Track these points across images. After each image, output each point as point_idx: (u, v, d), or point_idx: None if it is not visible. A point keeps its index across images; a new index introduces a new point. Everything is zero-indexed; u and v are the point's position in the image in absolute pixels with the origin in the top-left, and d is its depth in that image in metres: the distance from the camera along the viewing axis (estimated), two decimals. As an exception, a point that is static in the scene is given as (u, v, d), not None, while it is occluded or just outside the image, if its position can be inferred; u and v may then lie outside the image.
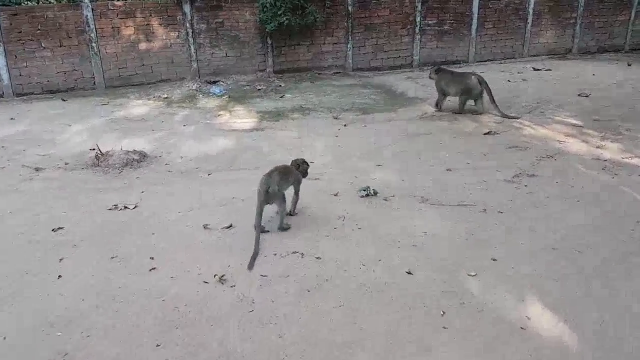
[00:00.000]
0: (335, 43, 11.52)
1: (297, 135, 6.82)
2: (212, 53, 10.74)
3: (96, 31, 9.73)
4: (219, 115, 8.01)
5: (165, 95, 9.36)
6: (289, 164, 4.18)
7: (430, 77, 7.93)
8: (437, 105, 7.87)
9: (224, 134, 6.89)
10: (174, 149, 6.20)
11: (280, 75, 11.06)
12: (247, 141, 6.57)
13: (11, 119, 7.81)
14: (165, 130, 7.14)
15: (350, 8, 11.28)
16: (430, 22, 11.96)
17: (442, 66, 8.56)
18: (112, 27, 9.86)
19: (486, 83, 7.25)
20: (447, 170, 5.31)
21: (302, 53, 11.32)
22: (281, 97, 9.26)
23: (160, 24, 10.20)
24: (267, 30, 10.41)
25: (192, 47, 10.50)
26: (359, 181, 4.98)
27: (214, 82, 10.48)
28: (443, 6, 11.93)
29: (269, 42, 10.93)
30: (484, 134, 6.54)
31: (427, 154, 5.88)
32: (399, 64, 12.04)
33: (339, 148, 6.24)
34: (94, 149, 5.96)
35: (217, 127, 7.34)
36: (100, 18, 9.72)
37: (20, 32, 9.28)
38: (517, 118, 7.18)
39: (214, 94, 9.61)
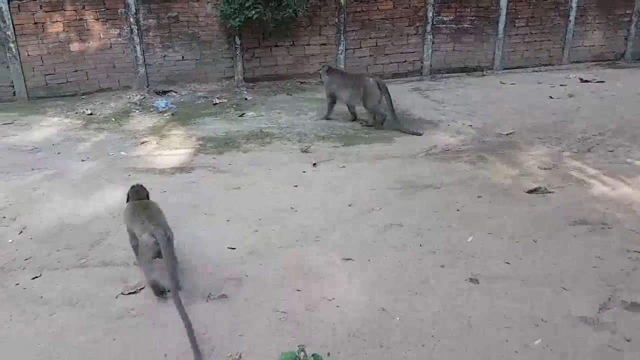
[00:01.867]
0: (323, 44, 9.15)
1: (236, 184, 4.49)
2: (165, 56, 8.45)
3: (14, 28, 7.52)
4: (143, 142, 5.71)
5: (90, 112, 7.09)
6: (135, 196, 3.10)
7: (320, 80, 6.83)
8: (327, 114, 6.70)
9: (128, 179, 4.57)
10: (28, 211, 3.94)
11: (252, 85, 8.74)
12: (153, 195, 4.23)
13: None
14: (51, 168, 4.86)
15: (342, 0, 8.90)
16: (445, 18, 9.51)
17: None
18: (35, 23, 7.64)
19: (386, 88, 6.03)
20: (471, 280, 2.92)
21: (280, 56, 8.98)
22: (241, 115, 6.93)
23: (97, 19, 7.95)
24: (233, 27, 8.08)
25: (138, 48, 8.23)
26: (297, 310, 2.62)
27: (165, 93, 8.19)
28: (462, -2, 9.50)
29: (238, 42, 8.61)
30: (529, 192, 4.12)
31: (433, 235, 3.50)
32: (404, 71, 9.63)
33: (291, 214, 3.90)
34: None
35: (130, 163, 5.05)
36: (19, 11, 7.50)
37: None
38: (420, 134, 5.97)
39: (156, 108, 7.31)
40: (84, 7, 7.82)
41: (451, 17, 9.54)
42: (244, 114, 6.99)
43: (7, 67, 7.70)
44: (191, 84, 8.61)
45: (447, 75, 9.67)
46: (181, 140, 5.82)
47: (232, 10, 7.91)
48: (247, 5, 7.76)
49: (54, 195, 4.18)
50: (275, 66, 8.93)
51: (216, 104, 7.55)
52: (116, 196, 4.17)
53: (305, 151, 5.46)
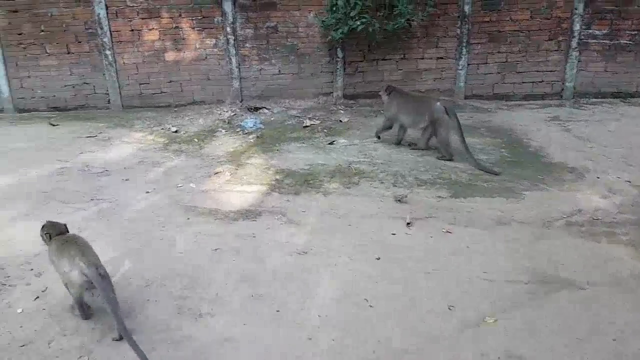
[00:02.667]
0: (440, 57, 8.01)
1: (303, 246, 3.63)
2: (261, 69, 7.96)
3: (110, 34, 7.55)
4: (216, 173, 5.14)
5: (175, 129, 6.77)
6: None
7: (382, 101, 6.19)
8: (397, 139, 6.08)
9: (184, 225, 3.97)
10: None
11: (352, 103, 7.90)
12: (202, 254, 3.54)
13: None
14: (109, 200, 4.44)
15: (466, 8, 7.67)
16: (597, 32, 7.79)
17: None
18: (132, 30, 7.60)
19: (455, 114, 5.42)
20: None
21: (388, 71, 8.02)
22: (330, 143, 6.09)
23: (193, 28, 7.69)
24: (334, 38, 7.31)
25: (233, 60, 7.83)
26: None
27: (257, 109, 7.68)
28: (621, 8, 7.69)
29: (340, 55, 7.82)
30: None
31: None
32: (539, 93, 8.09)
33: (364, 311, 2.90)
34: None
35: (195, 200, 4.46)
36: (117, 18, 7.51)
37: (21, 33, 7.45)
38: (497, 174, 5.01)
39: (243, 128, 6.78)
40: (180, 15, 7.60)
41: (605, 31, 7.78)
42: (334, 141, 6.14)
43: (103, 74, 7.75)
44: (285, 100, 8.02)
45: (595, 101, 7.91)
46: (257, 173, 5.13)
47: (335, 20, 7.13)
48: (352, 14, 6.93)
49: (96, 242, 3.70)
50: (380, 82, 7.95)
51: (307, 126, 6.81)
52: (159, 250, 3.58)
53: (400, 201, 4.43)
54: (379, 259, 3.47)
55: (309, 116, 7.29)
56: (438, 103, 5.44)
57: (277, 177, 5.02)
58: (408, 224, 3.99)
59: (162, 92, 7.97)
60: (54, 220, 3.02)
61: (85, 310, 2.76)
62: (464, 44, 7.88)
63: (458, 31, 7.85)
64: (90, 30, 7.52)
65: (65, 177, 5.01)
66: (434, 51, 7.98)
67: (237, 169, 5.26)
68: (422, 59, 8.01)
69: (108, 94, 7.87)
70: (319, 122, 6.98)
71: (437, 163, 5.35)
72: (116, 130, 6.81)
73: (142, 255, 3.50)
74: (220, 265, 3.36)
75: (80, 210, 4.22)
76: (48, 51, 7.58)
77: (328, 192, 4.65)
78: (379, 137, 6.15)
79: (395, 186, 4.76)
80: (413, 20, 7.28)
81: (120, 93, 7.86)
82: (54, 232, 2.86)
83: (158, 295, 3.02)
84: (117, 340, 2.56)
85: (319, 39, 7.82)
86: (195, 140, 6.35)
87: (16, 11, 7.35)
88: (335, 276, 3.25)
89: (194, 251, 3.56)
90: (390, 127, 5.99)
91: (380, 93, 6.21)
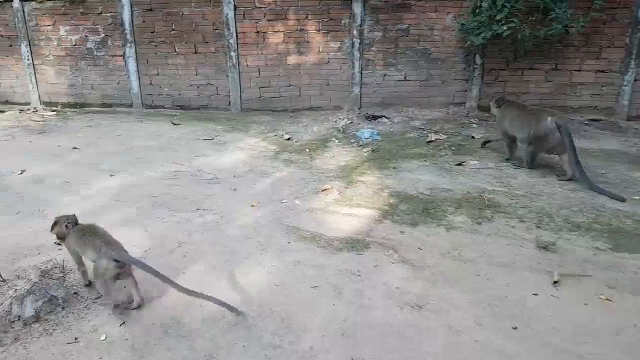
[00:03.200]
0: (600, 71, 6.82)
1: (418, 298, 3.02)
2: (385, 75, 7.46)
3: (237, 36, 7.61)
4: (324, 190, 4.74)
5: (288, 137, 6.56)
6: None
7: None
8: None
9: (284, 249, 3.62)
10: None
11: (487, 116, 7.04)
12: (296, 294, 3.12)
13: (74, 148, 6.16)
14: (215, 212, 4.26)
15: (643, 11, 6.40)
16: None
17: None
18: (257, 32, 7.59)
19: (569, 133, 4.73)
20: None
21: (534, 82, 7.03)
22: (458, 164, 5.37)
23: (318, 30, 7.45)
24: (474, 43, 6.54)
25: (356, 64, 7.44)
26: None
27: (375, 118, 7.20)
28: None
29: (478, 62, 7.01)
30: None
31: None
32: None
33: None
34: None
35: (298, 220, 4.09)
36: (244, 19, 7.54)
37: (154, 32, 7.84)
38: (623, 200, 4.29)
39: (358, 139, 6.34)
40: (307, 17, 7.40)
41: None
42: (463, 162, 5.41)
43: (227, 75, 7.86)
44: (409, 109, 7.43)
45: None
46: (369, 194, 4.63)
47: (477, 23, 6.37)
48: (498, 18, 6.12)
49: (196, 262, 3.49)
50: (524, 94, 7.02)
51: (431, 141, 6.15)
52: (256, 279, 3.25)
53: (545, 248, 3.61)
54: (515, 328, 2.75)
55: (435, 129, 6.61)
56: (550, 118, 4.83)
57: (392, 200, 4.47)
58: (555, 282, 3.19)
59: (280, 96, 7.87)
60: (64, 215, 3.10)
61: (110, 287, 2.85)
62: (633, 56, 6.59)
63: (627, 40, 6.59)
64: (217, 31, 7.66)
65: (177, 181, 4.99)
66: (594, 63, 6.81)
67: (346, 187, 4.81)
68: (579, 71, 6.87)
69: (229, 95, 7.97)
70: (445, 136, 6.27)
71: (594, 202, 4.37)
72: (232, 134, 6.79)
73: (236, 282, 3.20)
74: (318, 309, 2.91)
75: (184, 220, 4.08)
76: (177, 50, 7.88)
77: (452, 226, 3.98)
78: (509, 160, 5.47)
79: (539, 228, 3.92)
80: (572, 27, 6.23)
81: (240, 95, 7.92)
82: (72, 223, 2.98)
83: (248, 339, 2.66)
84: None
85: (455, 44, 7.10)
86: (307, 150, 6.05)
87: (151, 10, 7.74)
88: (457, 348, 2.61)
89: (292, 285, 3.17)
90: (513, 143, 5.34)
91: (490, 104, 5.68)
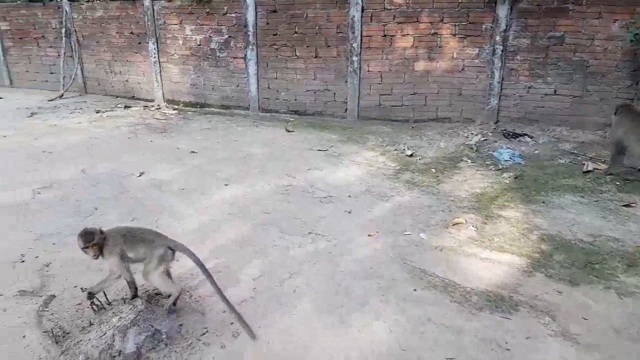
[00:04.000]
0: None
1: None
2: (529, 87, 6.58)
3: (361, 39, 7.22)
4: (455, 224, 4.11)
5: (410, 152, 5.99)
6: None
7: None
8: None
9: (408, 300, 3.09)
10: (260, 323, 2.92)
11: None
12: None
13: (192, 152, 6.15)
14: (328, 238, 3.87)
15: None
16: None
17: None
18: (384, 36, 7.12)
19: None
20: None
21: None
22: (627, 205, 4.41)
23: (454, 35, 6.79)
24: (650, 55, 5.47)
25: (496, 73, 6.66)
26: None
27: (515, 136, 6.36)
28: None
29: (651, 77, 5.88)
30: None
31: None
32: None
33: None
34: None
35: (423, 261, 3.53)
36: (371, 21, 7.12)
37: (276, 34, 7.73)
38: None
39: (496, 161, 5.59)
40: (441, 20, 6.77)
41: None
42: (632, 204, 4.43)
43: (346, 81, 7.50)
44: (556, 129, 6.47)
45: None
46: (514, 234, 3.92)
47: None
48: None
49: (303, 297, 3.09)
50: None
51: (588, 171, 5.21)
52: (376, 337, 2.76)
53: None
54: None
55: (591, 155, 5.64)
56: None
57: (543, 247, 3.72)
58: None
59: (402, 105, 7.33)
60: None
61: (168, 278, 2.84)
62: None
63: None
64: (341, 34, 7.33)
65: (289, 197, 4.69)
66: None
67: (485, 223, 4.14)
68: None
69: (346, 102, 7.62)
70: (605, 166, 5.28)
71: None
72: (347, 145, 6.40)
73: (353, 338, 2.74)
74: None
75: (295, 246, 3.74)
76: (297, 54, 7.69)
77: (626, 291, 3.16)
78: (611, 174, 5.04)
79: None
80: None
81: (358, 103, 7.53)
82: (101, 232, 2.74)
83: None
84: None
85: (621, 56, 6.03)
86: (433, 170, 5.45)
87: (275, 11, 7.63)
88: None
89: (421, 352, 2.62)
90: (620, 155, 4.98)
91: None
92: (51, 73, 9.95)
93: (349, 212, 4.35)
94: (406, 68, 7.16)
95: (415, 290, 3.19)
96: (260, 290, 3.15)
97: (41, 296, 3.01)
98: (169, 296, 2.83)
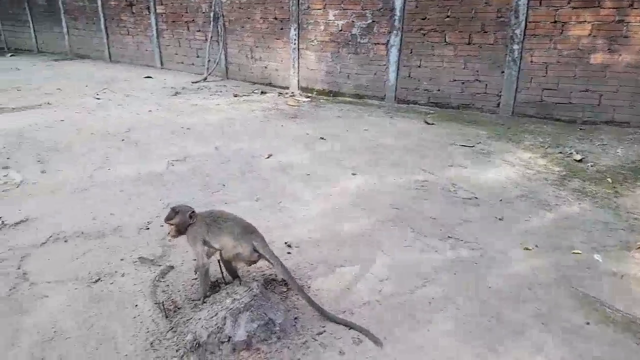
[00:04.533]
0: None
1: None
2: None
3: (525, 26, 6.43)
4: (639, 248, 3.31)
5: (580, 157, 5.12)
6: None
7: None
8: None
9: (574, 333, 2.47)
10: None
11: None
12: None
13: (321, 138, 5.93)
14: (472, 247, 3.34)
15: None
16: None
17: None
18: (554, 22, 6.26)
19: None
20: None
21: None
22: None
23: (646, 18, 5.71)
24: None
25: (700, 68, 5.46)
26: None
27: None
28: None
29: None
30: None
31: None
32: None
33: None
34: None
35: (597, 287, 2.85)
36: (540, 5, 6.30)
37: (425, 18, 7.24)
38: None
39: (695, 180, 4.51)
40: (631, 4, 5.74)
41: None
42: None
43: (502, 72, 6.75)
44: None
45: None
46: None
47: None
48: None
49: (441, 313, 2.61)
50: None
51: None
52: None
53: None
54: None
55: None
56: None
57: None
58: None
59: (569, 103, 6.39)
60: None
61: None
62: None
63: None
64: (501, 19, 6.61)
65: (424, 194, 4.22)
66: None
67: (685, 252, 3.27)
68: None
69: (500, 95, 6.87)
70: None
71: None
72: (499, 143, 5.71)
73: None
74: None
75: (430, 249, 3.28)
76: (447, 40, 7.12)
77: None
78: None
79: None
80: None
81: (515, 97, 6.73)
82: (194, 214, 2.60)
83: None
84: None
85: None
86: (609, 180, 4.56)
87: (426, -6, 7.16)
88: None
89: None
90: None
91: None
92: (197, 57, 10.58)
93: (499, 219, 3.76)
94: (579, 60, 6.21)
95: (588, 323, 2.55)
96: (387, 295, 2.76)
97: (160, 265, 2.96)
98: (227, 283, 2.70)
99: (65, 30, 13.45)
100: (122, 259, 3.02)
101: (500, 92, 6.86)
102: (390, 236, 3.44)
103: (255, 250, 2.53)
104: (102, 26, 12.34)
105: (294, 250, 3.17)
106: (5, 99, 7.60)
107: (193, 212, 2.58)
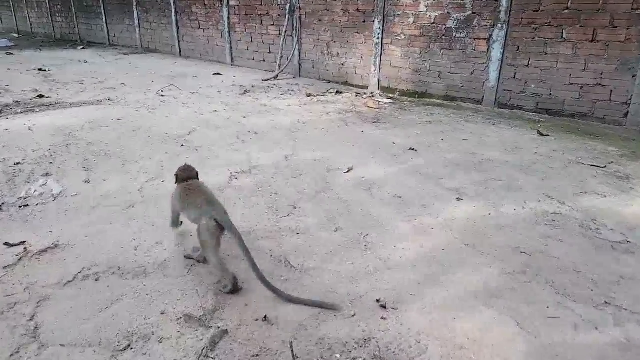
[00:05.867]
0: None
1: None
2: None
3: (670, 15, 5.23)
4: None
5: None
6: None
7: None
8: None
9: None
10: None
11: None
12: None
13: (411, 149, 5.03)
14: (638, 318, 2.38)
15: None
16: None
17: None
18: None
19: None
20: None
21: None
22: None
23: None
24: None
25: None
26: None
27: None
28: None
29: None
30: None
31: None
32: None
33: None
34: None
35: None
36: (692, -12, 5.08)
37: (538, 10, 6.15)
38: None
39: None
40: None
41: None
42: None
43: (633, 75, 5.55)
44: None
45: None
46: None
47: None
48: None
49: None
50: None
51: None
52: None
53: None
54: None
55: None
56: None
57: None
58: None
59: None
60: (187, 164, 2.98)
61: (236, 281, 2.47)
62: None
63: None
64: (637, 11, 5.42)
65: (558, 232, 3.22)
66: None
67: None
68: None
69: (629, 104, 5.68)
70: None
71: None
72: (636, 164, 4.58)
73: None
74: None
75: (588, 325, 2.31)
76: (565, 36, 6.00)
77: None
78: None
79: None
80: None
81: (650, 106, 5.53)
82: (184, 175, 2.87)
83: None
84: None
85: None
86: None
87: (542, -21, 6.06)
88: None
89: None
90: None
91: None
92: (269, 53, 9.97)
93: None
94: None
95: None
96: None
97: (210, 327, 2.22)
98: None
99: (136, 23, 13.37)
100: (162, 312, 2.31)
101: (629, 99, 5.66)
102: (526, 298, 2.50)
103: (215, 221, 2.50)
104: (173, 19, 12.08)
105: (391, 314, 2.33)
106: (67, 93, 7.31)
107: (177, 174, 2.87)
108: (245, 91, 7.96)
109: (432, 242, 3.05)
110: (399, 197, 3.73)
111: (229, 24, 10.66)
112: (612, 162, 4.65)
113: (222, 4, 10.63)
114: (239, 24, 10.43)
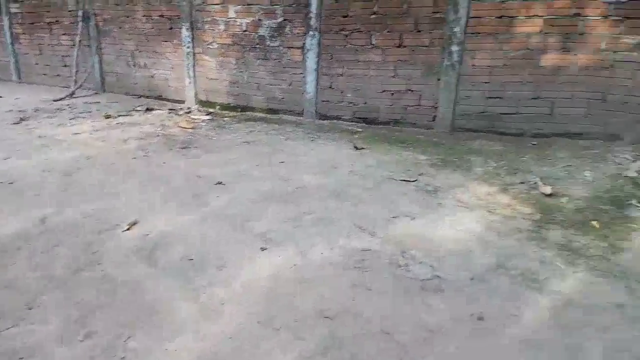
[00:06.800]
0: None
1: None
2: None
3: (466, 22, 5.42)
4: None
5: (549, 190, 4.09)
6: None
7: None
8: None
9: None
10: None
11: None
12: None
13: (218, 183, 4.48)
14: None
15: None
16: None
17: None
18: (500, 17, 5.30)
19: None
20: None
21: None
22: None
23: (606, 17, 4.88)
24: None
25: (673, 71, 4.64)
26: None
27: None
28: None
29: None
30: None
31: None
32: None
33: None
34: None
35: None
36: (479, -5, 5.27)
37: (347, 15, 6.06)
38: None
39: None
40: (588, -8, 4.83)
41: None
42: None
43: (438, 79, 5.68)
44: None
45: None
46: None
47: None
48: None
49: None
50: None
51: None
52: None
53: None
54: None
55: None
56: None
57: None
58: None
59: (517, 113, 5.46)
60: None
61: None
62: None
63: None
64: (438, 15, 5.51)
65: (366, 278, 2.87)
66: None
67: None
68: None
69: (436, 107, 5.80)
70: None
71: None
72: (444, 173, 4.59)
73: None
74: None
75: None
76: (374, 41, 5.93)
77: None
78: None
79: None
80: None
81: (454, 109, 5.69)
82: None
83: None
84: None
85: None
86: (594, 224, 3.54)
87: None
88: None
89: None
90: None
91: None
92: (64, 66, 8.67)
93: (479, 319, 2.54)
94: (527, 62, 5.25)
95: None
96: None
97: None
98: None
99: None
100: None
101: (437, 103, 5.79)
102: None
103: None
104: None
105: None
106: None
107: None
108: (22, 118, 6.61)
109: (219, 328, 2.44)
110: (190, 259, 3.06)
111: (12, 34, 9.05)
112: (422, 173, 4.59)
113: (0, 12, 8.98)
114: (24, 34, 8.91)
